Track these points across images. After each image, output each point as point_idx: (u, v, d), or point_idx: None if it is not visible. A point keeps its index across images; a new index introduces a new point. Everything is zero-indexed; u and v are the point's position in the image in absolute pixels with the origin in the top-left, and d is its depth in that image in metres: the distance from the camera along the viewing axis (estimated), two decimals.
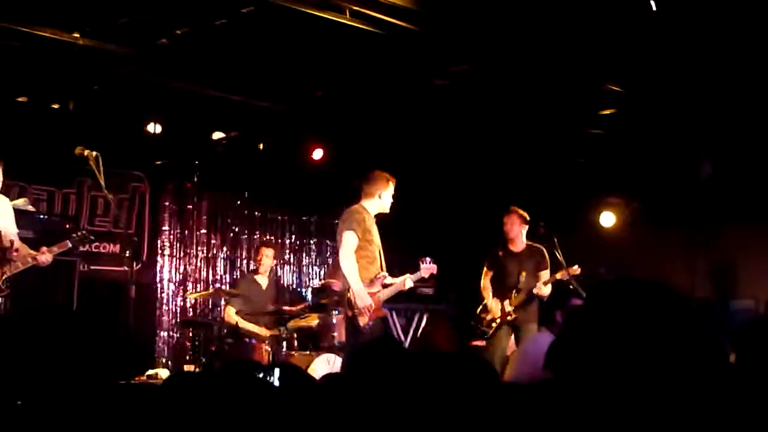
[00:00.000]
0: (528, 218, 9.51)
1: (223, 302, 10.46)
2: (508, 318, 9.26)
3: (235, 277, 12.07)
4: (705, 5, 7.26)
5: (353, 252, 7.67)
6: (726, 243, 12.25)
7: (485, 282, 9.61)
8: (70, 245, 7.37)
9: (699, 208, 11.68)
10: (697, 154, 11.16)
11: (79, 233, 7.32)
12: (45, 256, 7.17)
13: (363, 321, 7.62)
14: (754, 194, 11.08)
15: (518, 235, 9.48)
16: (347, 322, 7.84)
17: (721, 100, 9.43)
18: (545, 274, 9.27)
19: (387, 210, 8.13)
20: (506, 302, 9.30)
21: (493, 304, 9.42)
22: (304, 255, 13.40)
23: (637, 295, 1.83)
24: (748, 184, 11.01)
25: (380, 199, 8.00)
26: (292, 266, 13.14)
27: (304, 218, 13.36)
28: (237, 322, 9.63)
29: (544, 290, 9.23)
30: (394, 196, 8.22)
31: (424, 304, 12.00)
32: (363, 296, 7.59)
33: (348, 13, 7.29)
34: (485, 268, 9.66)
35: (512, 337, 9.28)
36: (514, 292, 9.30)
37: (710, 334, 1.83)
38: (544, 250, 9.45)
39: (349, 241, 7.66)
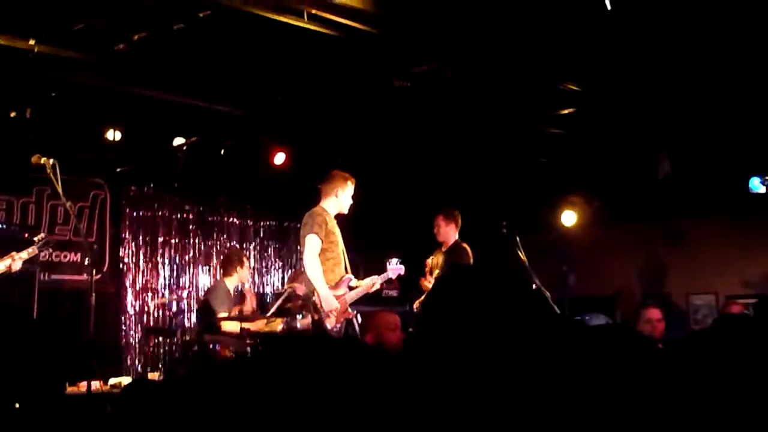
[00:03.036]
0: (456, 215, 9.61)
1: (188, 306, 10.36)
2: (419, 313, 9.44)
3: (206, 285, 12.04)
4: (660, 3, 7.33)
5: (317, 255, 7.66)
6: (686, 239, 12.38)
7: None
8: (37, 251, 7.25)
9: (658, 205, 11.80)
10: (656, 151, 11.26)
11: (39, 237, 7.20)
12: (15, 263, 7.02)
13: (330, 324, 7.62)
14: (712, 190, 11.20)
15: (447, 235, 9.65)
16: (313, 326, 7.81)
17: (678, 96, 9.52)
18: None
19: (345, 211, 8.14)
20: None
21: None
22: (267, 259, 13.37)
23: (479, 282, 1.91)
24: (707, 179, 11.13)
25: (338, 198, 8.00)
26: (255, 271, 13.10)
27: (267, 223, 13.33)
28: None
29: (427, 285, 9.35)
30: (354, 197, 8.21)
31: (389, 306, 11.98)
32: (329, 299, 7.60)
33: (306, 17, 7.28)
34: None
35: None
36: None
37: (552, 315, 1.92)
38: (467, 248, 9.50)
39: (312, 244, 7.65)
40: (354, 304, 8.40)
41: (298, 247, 7.91)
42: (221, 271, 10.52)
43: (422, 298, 9.72)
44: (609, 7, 6.72)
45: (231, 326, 9.52)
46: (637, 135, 10.79)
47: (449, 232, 9.63)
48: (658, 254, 12.68)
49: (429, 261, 9.82)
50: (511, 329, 1.80)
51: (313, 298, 7.60)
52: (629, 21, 7.53)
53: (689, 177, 11.16)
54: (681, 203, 11.65)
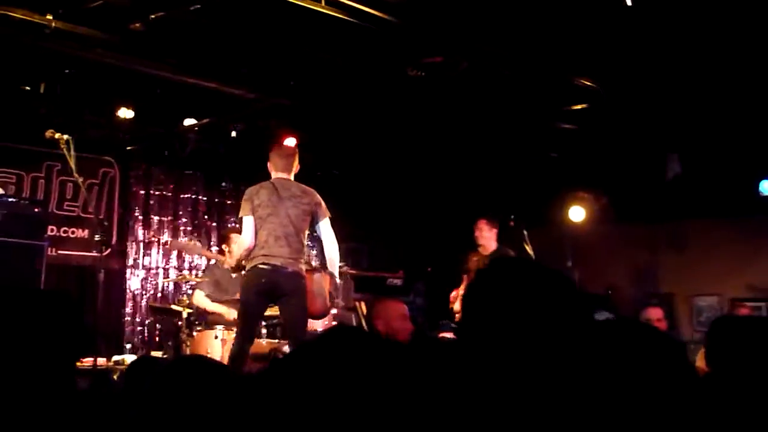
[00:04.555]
0: (496, 222, 9.64)
1: (190, 288, 10.40)
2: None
3: (204, 265, 12.05)
4: (677, 3, 7.32)
5: None
6: (692, 240, 12.38)
7: (462, 286, 9.80)
8: None
9: (666, 205, 11.79)
10: (666, 151, 11.25)
11: None
12: None
13: None
14: (720, 192, 11.20)
15: (488, 240, 9.67)
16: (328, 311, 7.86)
17: (691, 96, 9.51)
18: None
19: None
20: None
21: (458, 301, 9.67)
22: None
23: (523, 273, 1.93)
24: (715, 181, 11.12)
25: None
26: None
27: None
28: (206, 307, 9.53)
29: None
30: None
31: (393, 295, 12.00)
32: None
33: (323, 1, 7.27)
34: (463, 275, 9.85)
35: None
36: None
37: (589, 314, 1.93)
38: (512, 253, 9.54)
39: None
40: (359, 292, 8.43)
41: (294, 226, 7.51)
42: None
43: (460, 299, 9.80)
44: (629, 3, 6.69)
45: (216, 308, 9.56)
46: (649, 134, 10.78)
47: (491, 237, 9.68)
48: (663, 254, 12.68)
49: (471, 265, 9.82)
50: (555, 322, 1.81)
51: (339, 282, 7.66)
52: (646, 19, 7.51)
53: (697, 179, 11.15)
54: (688, 204, 11.64)
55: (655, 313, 7.59)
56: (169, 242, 11.72)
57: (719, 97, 9.47)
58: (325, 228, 7.62)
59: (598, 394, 1.77)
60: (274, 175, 7.73)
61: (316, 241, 8.88)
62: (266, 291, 7.33)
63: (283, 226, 7.37)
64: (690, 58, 8.46)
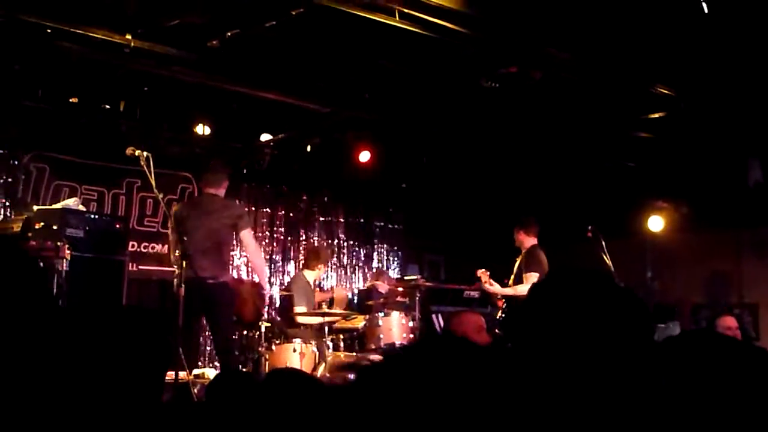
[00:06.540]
0: (527, 222, 9.90)
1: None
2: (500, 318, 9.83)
3: (284, 279, 12.13)
4: (756, 7, 7.18)
5: None
6: None
7: None
8: None
9: (747, 213, 11.55)
10: (746, 157, 11.03)
11: None
12: None
13: None
14: None
15: (522, 243, 9.91)
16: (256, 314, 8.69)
17: None
18: (530, 276, 9.45)
19: None
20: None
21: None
22: (352, 257, 13.40)
23: (580, 285, 1.90)
24: None
25: None
26: (338, 268, 13.15)
27: (350, 220, 13.38)
28: (306, 321, 9.71)
29: (490, 288, 9.79)
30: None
31: (470, 307, 11.94)
32: None
33: (397, 15, 7.29)
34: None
35: None
36: None
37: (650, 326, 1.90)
38: (536, 251, 9.59)
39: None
40: (436, 304, 8.44)
41: (216, 239, 8.05)
42: (303, 262, 10.64)
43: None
44: (706, 10, 6.58)
45: (309, 320, 9.63)
46: (728, 141, 10.58)
47: (523, 239, 9.88)
48: (747, 262, 12.41)
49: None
50: (612, 334, 1.79)
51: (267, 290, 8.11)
52: (724, 25, 7.38)
53: None
54: None
55: (728, 322, 7.42)
56: None
57: None
58: (246, 238, 8.36)
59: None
60: (205, 191, 8.40)
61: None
62: (199, 300, 7.75)
63: (206, 239, 7.91)
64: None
